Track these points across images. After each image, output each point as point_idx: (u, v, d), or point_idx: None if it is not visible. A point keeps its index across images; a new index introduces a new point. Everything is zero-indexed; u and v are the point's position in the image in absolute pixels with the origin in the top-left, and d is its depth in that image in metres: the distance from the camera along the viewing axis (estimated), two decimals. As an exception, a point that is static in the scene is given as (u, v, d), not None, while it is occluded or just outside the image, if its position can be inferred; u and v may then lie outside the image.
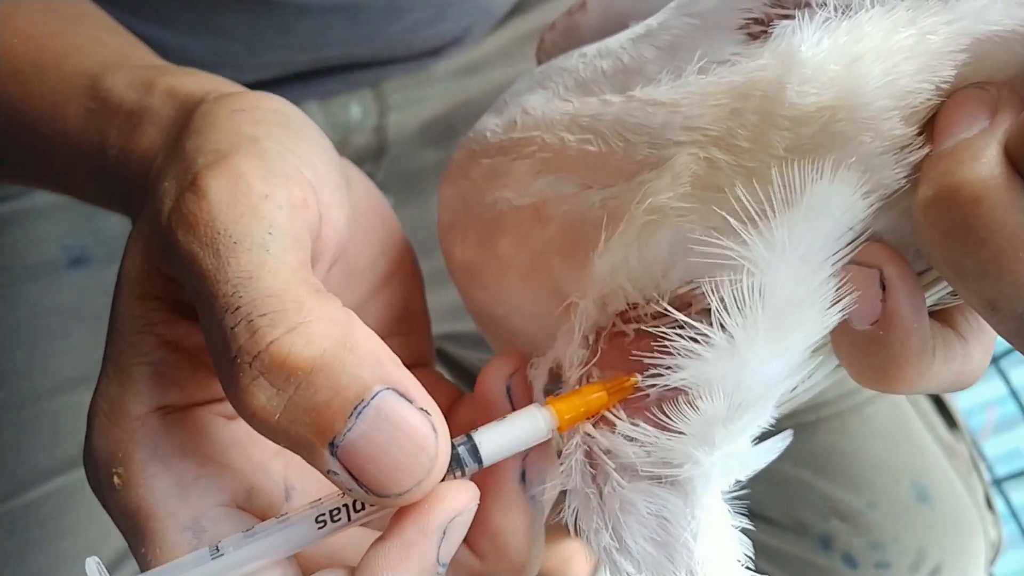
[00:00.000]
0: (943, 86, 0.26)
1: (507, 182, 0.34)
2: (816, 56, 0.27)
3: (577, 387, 0.32)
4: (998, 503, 0.65)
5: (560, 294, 0.33)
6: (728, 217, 0.27)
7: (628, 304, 0.32)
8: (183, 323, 0.30)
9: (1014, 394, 0.87)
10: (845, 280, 0.27)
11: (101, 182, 0.36)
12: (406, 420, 0.26)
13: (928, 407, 0.63)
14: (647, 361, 0.30)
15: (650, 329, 0.31)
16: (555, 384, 0.34)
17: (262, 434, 0.27)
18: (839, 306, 0.27)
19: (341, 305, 0.28)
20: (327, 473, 0.26)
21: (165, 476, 0.29)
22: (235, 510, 0.30)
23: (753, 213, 0.27)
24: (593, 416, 0.31)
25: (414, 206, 0.66)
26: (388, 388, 0.26)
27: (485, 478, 0.30)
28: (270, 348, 0.25)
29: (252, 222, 0.28)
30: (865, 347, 0.27)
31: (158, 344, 0.30)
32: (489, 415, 0.31)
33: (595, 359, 0.33)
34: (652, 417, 0.30)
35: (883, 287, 0.27)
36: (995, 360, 0.93)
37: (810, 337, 0.27)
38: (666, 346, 0.29)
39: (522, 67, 0.65)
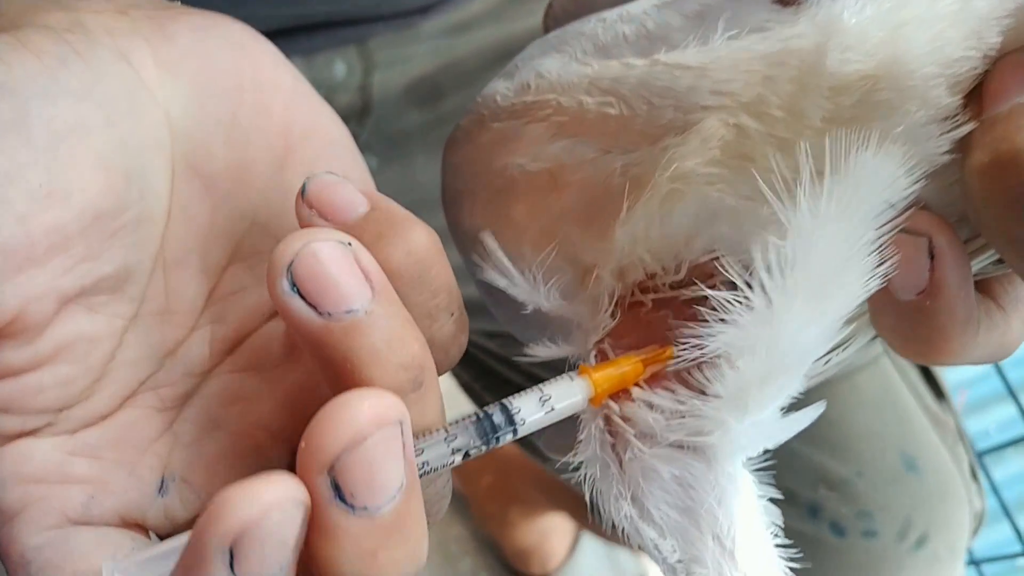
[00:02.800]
0: (990, 54, 0.25)
1: (519, 146, 0.33)
2: (860, 23, 0.26)
3: (595, 356, 0.31)
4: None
5: (576, 262, 0.32)
6: (762, 185, 0.26)
7: (646, 274, 0.31)
8: None
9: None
10: (892, 248, 0.26)
11: None
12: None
13: (916, 377, 0.63)
14: (675, 329, 0.29)
15: (687, 294, 0.30)
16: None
17: None
18: (880, 272, 0.26)
19: None
20: None
21: None
22: (66, 529, 0.27)
23: (787, 183, 0.26)
24: (627, 387, 0.30)
25: (398, 167, 0.64)
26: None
27: None
28: None
29: None
30: (910, 318, 0.27)
31: None
32: None
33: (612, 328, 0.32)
34: (671, 388, 0.29)
35: (931, 256, 0.26)
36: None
37: (849, 304, 0.26)
38: (693, 316, 0.28)
39: (512, 28, 0.63)
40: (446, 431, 0.27)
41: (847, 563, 0.61)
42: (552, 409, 0.28)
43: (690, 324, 0.28)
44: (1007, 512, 0.85)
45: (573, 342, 0.33)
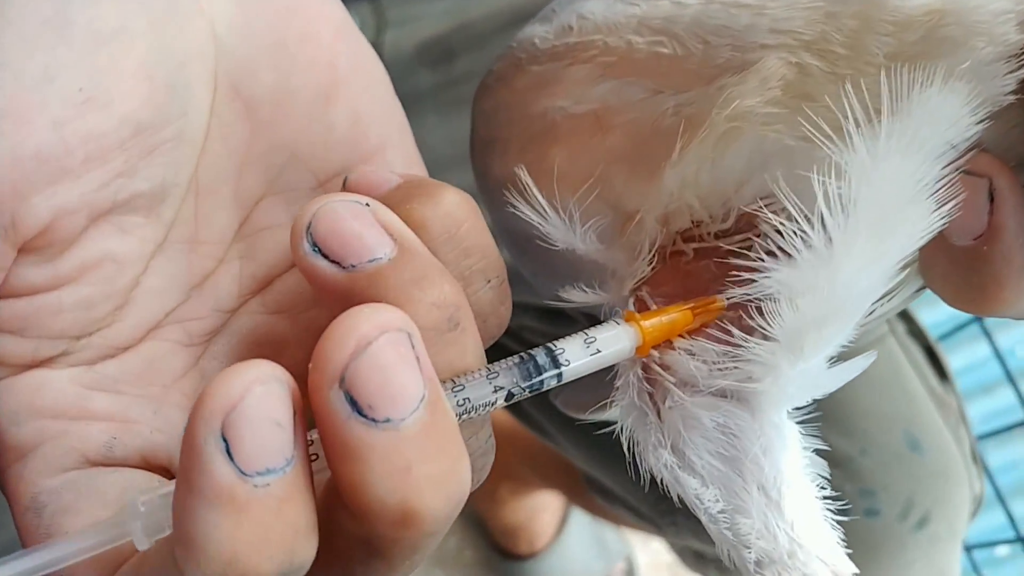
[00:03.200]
0: None
1: (560, 89, 0.32)
2: None
3: (633, 304, 0.31)
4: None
5: (618, 207, 0.31)
6: (823, 125, 0.26)
7: (692, 222, 0.30)
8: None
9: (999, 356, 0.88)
10: (951, 188, 0.25)
11: None
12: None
13: (920, 358, 0.63)
14: (720, 277, 0.28)
15: (730, 244, 0.29)
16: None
17: None
18: (942, 211, 0.25)
19: None
20: None
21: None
22: (86, 471, 0.26)
23: (849, 122, 0.25)
24: (673, 337, 0.29)
25: (408, 128, 0.63)
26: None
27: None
28: None
29: None
30: (964, 265, 0.26)
31: None
32: None
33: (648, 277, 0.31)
34: (726, 328, 0.28)
35: (990, 199, 0.25)
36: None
37: (909, 245, 0.26)
38: (739, 264, 0.27)
39: (528, -11, 0.62)
40: (488, 370, 0.26)
41: (848, 541, 0.60)
42: (597, 352, 0.27)
43: (749, 255, 0.27)
44: (1001, 499, 0.85)
45: (607, 290, 0.32)
